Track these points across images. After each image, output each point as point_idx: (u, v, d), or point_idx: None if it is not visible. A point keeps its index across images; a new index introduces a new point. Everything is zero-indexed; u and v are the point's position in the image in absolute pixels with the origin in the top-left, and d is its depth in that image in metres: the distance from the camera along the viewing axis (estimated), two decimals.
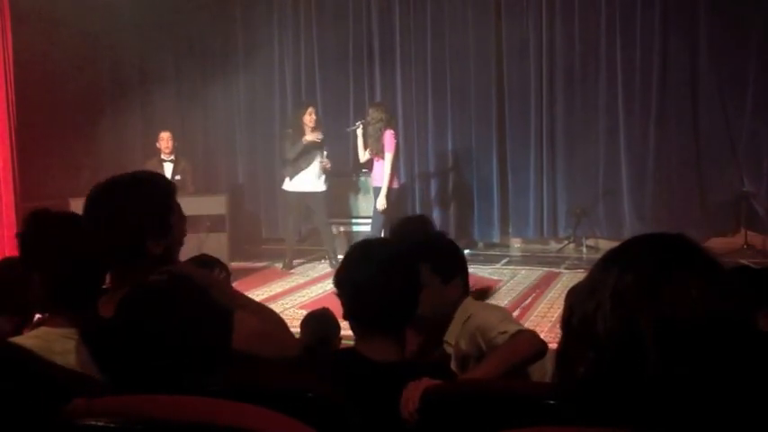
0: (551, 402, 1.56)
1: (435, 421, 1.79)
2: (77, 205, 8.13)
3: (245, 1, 9.88)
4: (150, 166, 8.18)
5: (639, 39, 8.54)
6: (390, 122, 7.73)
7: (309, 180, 7.91)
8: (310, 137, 7.74)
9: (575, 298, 1.02)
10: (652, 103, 8.54)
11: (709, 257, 0.98)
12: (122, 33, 8.81)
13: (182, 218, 2.02)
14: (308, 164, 7.87)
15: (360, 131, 7.86)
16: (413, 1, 9.32)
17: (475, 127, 9.20)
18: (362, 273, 2.02)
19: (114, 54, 8.91)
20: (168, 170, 8.09)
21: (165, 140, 8.10)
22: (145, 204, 1.93)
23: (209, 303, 1.77)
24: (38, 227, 2.08)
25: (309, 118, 7.82)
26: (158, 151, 8.21)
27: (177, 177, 7.94)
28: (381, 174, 7.59)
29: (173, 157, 8.15)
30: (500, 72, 9.11)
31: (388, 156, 7.51)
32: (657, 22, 8.46)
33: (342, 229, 8.69)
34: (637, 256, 0.99)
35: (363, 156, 7.92)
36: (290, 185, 7.99)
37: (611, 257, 1.02)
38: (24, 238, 2.07)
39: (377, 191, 7.69)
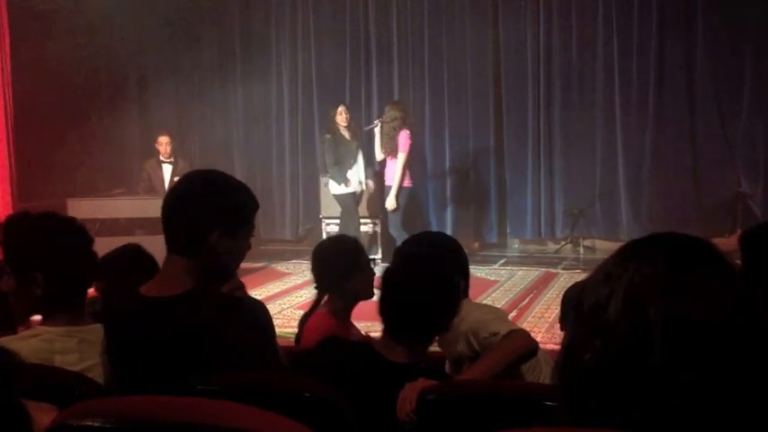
0: (549, 403, 1.57)
1: (433, 422, 1.79)
2: (74, 205, 8.10)
3: (244, 2, 9.87)
4: (149, 166, 8.20)
5: (636, 40, 8.55)
6: (407, 122, 7.73)
7: (357, 179, 7.85)
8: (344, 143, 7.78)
9: (586, 286, 1.01)
10: (649, 103, 8.55)
11: (730, 265, 0.98)
12: (121, 34, 8.81)
13: (248, 238, 2.02)
14: (354, 162, 7.80)
15: (377, 130, 7.84)
16: (410, 1, 9.32)
17: (472, 127, 9.20)
18: (402, 284, 2.11)
19: (112, 55, 8.91)
20: (167, 171, 8.08)
21: (163, 145, 8.10)
22: (234, 195, 1.96)
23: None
24: (32, 229, 2.07)
25: (341, 117, 7.78)
26: (157, 152, 8.22)
27: (176, 179, 7.93)
28: (392, 172, 7.63)
29: (171, 159, 8.15)
30: (497, 73, 9.12)
31: (401, 155, 7.53)
32: (654, 23, 8.47)
33: (368, 228, 8.48)
34: (657, 252, 0.98)
35: (379, 155, 7.92)
36: (337, 189, 7.79)
37: (630, 249, 1.01)
38: (16, 242, 2.05)
39: (389, 190, 7.70)
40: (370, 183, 8.02)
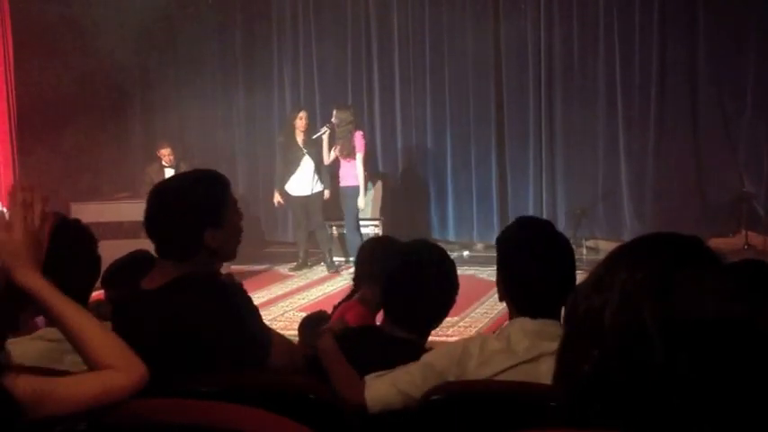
0: (553, 404, 1.57)
1: (437, 422, 1.80)
2: (78, 209, 8.12)
3: (245, 8, 9.89)
4: (152, 171, 8.24)
5: (638, 39, 8.54)
6: (359, 124, 8.08)
7: (302, 183, 8.01)
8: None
9: (578, 294, 1.00)
10: (651, 103, 8.54)
11: (721, 262, 0.98)
12: (123, 38, 8.82)
13: (236, 213, 2.05)
14: (296, 167, 7.98)
15: (325, 136, 7.96)
16: (411, 2, 9.33)
17: (474, 128, 9.20)
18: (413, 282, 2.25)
19: (115, 58, 8.92)
20: (169, 176, 8.12)
21: (165, 156, 8.26)
22: (202, 193, 2.00)
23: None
24: None
25: (300, 123, 7.96)
26: (159, 158, 8.28)
27: None
28: (351, 174, 7.83)
29: (174, 164, 8.23)
30: (498, 73, 9.12)
31: (361, 156, 7.77)
32: (656, 22, 8.47)
33: (335, 231, 8.66)
34: (648, 254, 0.98)
35: (328, 158, 8.03)
36: (289, 189, 8.10)
37: (619, 255, 1.01)
38: None
39: (346, 190, 7.88)
40: (319, 186, 8.08)
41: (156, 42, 9.37)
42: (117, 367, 1.41)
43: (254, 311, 2.04)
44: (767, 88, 8.10)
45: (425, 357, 1.94)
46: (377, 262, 3.06)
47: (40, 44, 7.92)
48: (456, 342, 2.01)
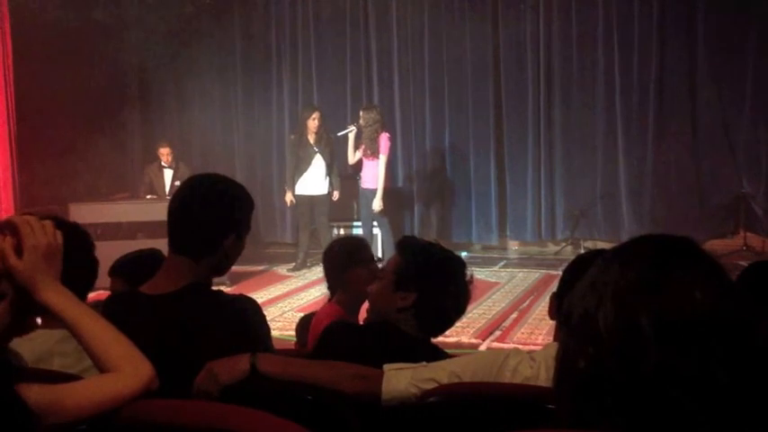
0: (549, 406, 1.57)
1: (435, 423, 1.80)
2: (77, 210, 8.09)
3: (243, 9, 9.90)
4: (151, 171, 8.25)
5: (637, 40, 8.57)
6: (385, 125, 7.93)
7: (313, 183, 8.00)
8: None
9: (574, 295, 1.00)
10: (650, 104, 8.56)
11: (714, 262, 0.98)
12: (122, 39, 8.84)
13: (245, 237, 2.06)
14: (308, 165, 7.96)
15: (351, 135, 7.92)
16: (410, 4, 9.34)
17: (472, 129, 9.22)
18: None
19: (114, 60, 8.94)
20: (168, 176, 8.13)
21: (165, 155, 8.27)
22: (245, 198, 2.03)
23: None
24: None
25: (313, 123, 7.94)
26: (158, 157, 8.28)
27: (177, 183, 7.98)
28: (374, 175, 7.72)
29: (173, 164, 8.23)
30: (497, 74, 9.14)
31: (383, 157, 7.66)
32: (655, 23, 8.49)
33: (342, 231, 8.71)
34: (641, 255, 0.98)
35: (353, 158, 8.01)
36: (300, 188, 8.08)
37: (613, 255, 1.01)
38: None
39: (368, 192, 7.80)
40: (329, 186, 8.13)
41: (156, 43, 9.37)
42: (126, 371, 1.44)
43: (264, 332, 2.03)
44: (766, 90, 8.12)
45: (454, 366, 1.89)
46: (333, 261, 3.21)
47: (39, 45, 7.93)
48: (489, 356, 1.96)
